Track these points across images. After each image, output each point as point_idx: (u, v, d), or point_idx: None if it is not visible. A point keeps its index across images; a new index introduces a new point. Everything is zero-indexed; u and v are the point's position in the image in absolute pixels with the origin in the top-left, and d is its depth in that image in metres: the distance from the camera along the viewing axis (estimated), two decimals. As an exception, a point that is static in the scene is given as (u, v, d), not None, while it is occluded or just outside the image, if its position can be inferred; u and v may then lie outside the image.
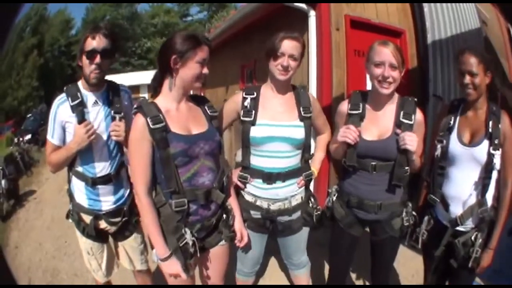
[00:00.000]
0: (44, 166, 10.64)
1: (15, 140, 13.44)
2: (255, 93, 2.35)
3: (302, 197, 2.43)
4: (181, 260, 1.98)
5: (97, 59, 2.23)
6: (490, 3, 5.33)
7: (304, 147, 2.36)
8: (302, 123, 2.31)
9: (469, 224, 2.30)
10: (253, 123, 2.29)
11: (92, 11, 37.41)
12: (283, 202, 2.36)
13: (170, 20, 37.23)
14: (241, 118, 2.33)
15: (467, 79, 2.18)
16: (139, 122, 1.91)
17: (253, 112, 2.30)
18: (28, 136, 14.29)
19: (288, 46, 2.20)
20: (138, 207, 2.03)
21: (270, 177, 2.32)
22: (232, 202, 2.25)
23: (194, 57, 1.92)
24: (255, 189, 2.37)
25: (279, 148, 2.29)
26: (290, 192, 2.36)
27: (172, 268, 1.98)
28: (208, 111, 2.14)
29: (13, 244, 5.43)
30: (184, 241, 1.97)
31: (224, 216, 2.17)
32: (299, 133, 2.30)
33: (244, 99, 2.34)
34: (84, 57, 2.24)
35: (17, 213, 6.96)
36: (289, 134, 2.28)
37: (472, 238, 2.26)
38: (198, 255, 2.03)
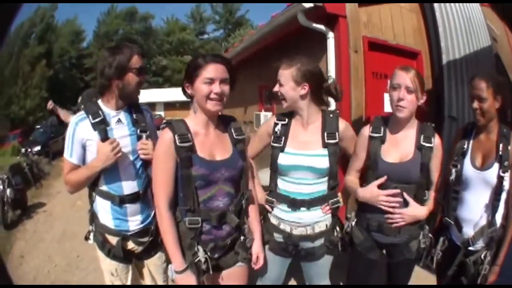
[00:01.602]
0: (55, 179, 10.70)
1: (23, 150, 13.43)
2: (286, 120, 2.38)
3: (327, 225, 2.38)
4: (196, 274, 2.01)
5: (144, 76, 2.31)
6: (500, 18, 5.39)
7: (330, 175, 2.33)
8: (325, 151, 2.30)
9: (480, 243, 2.32)
10: (282, 149, 2.32)
11: (104, 24, 37.55)
12: (306, 228, 2.34)
13: (186, 37, 37.50)
14: (271, 143, 2.36)
15: (475, 104, 2.23)
16: (167, 137, 1.96)
17: (283, 138, 2.33)
18: (37, 148, 14.37)
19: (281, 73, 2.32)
20: (158, 220, 2.04)
21: (294, 203, 2.32)
22: (254, 224, 2.25)
23: (198, 78, 1.95)
24: (280, 212, 2.37)
25: (303, 176, 2.30)
26: (314, 217, 2.35)
27: (187, 280, 2.00)
28: (234, 134, 2.14)
29: (18, 253, 5.49)
30: (198, 258, 1.99)
31: (242, 237, 2.16)
32: (323, 162, 2.28)
33: (276, 124, 2.37)
34: (132, 75, 2.26)
35: (24, 224, 7.04)
36: (313, 164, 2.27)
37: (482, 256, 2.28)
38: (211, 272, 2.04)
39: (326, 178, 2.33)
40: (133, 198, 2.34)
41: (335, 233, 2.42)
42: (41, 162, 12.86)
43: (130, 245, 2.41)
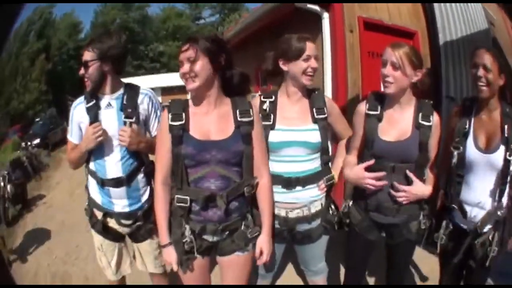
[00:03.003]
0: (54, 170, 10.70)
1: (23, 144, 13.33)
2: (273, 97, 2.34)
3: (322, 204, 2.38)
4: (179, 252, 2.05)
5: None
6: (497, 4, 5.35)
7: (322, 150, 2.33)
8: (316, 126, 2.29)
9: (487, 226, 2.26)
10: (272, 127, 2.27)
11: (101, 14, 37.39)
12: (302, 209, 2.31)
13: (182, 23, 37.15)
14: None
15: (481, 72, 2.12)
16: (164, 116, 2.05)
17: (272, 116, 2.29)
18: (37, 140, 14.25)
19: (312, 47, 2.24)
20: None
21: (289, 183, 2.28)
22: (263, 215, 2.15)
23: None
24: (274, 195, 2.28)
25: (296, 153, 2.27)
26: (310, 196, 2.32)
27: (168, 256, 2.08)
28: (238, 116, 2.04)
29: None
30: (185, 238, 2.02)
31: (243, 227, 2.11)
32: (315, 136, 2.27)
33: (263, 102, 2.32)
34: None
35: (25, 218, 7.00)
36: (305, 139, 2.26)
37: (490, 237, 2.23)
38: (195, 254, 2.05)
39: (318, 154, 2.32)
40: (115, 182, 2.38)
41: (330, 212, 2.41)
42: (41, 154, 12.86)
43: (112, 223, 2.48)
